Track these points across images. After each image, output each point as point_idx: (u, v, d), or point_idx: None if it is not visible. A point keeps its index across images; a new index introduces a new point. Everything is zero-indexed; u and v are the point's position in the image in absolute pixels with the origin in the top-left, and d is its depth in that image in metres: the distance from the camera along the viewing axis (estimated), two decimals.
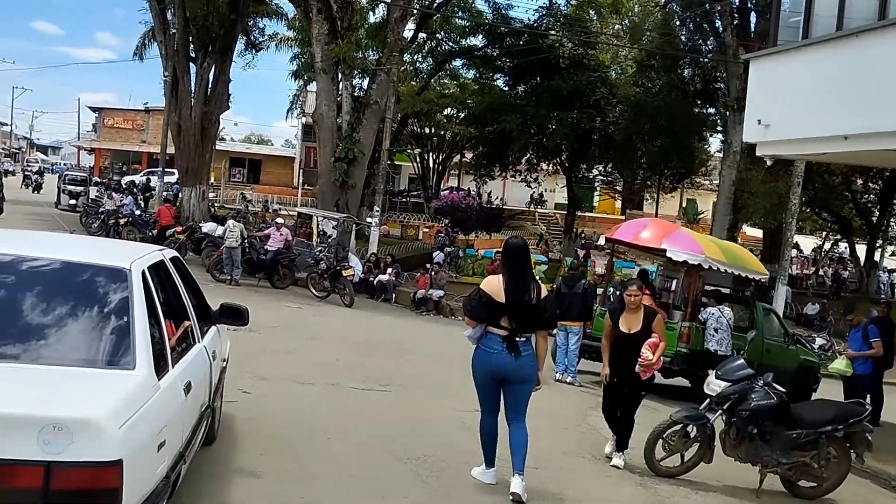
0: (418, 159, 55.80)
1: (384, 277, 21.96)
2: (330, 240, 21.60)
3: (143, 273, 4.43)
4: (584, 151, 36.54)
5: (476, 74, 43.87)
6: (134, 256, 4.57)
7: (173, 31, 30.90)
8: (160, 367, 4.08)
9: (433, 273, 21.40)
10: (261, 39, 39.06)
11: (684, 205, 60.67)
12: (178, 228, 23.03)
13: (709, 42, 39.41)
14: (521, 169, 41.13)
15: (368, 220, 26.57)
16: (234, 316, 5.93)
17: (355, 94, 26.93)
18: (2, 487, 3.13)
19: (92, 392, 3.53)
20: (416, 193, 59.62)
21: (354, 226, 23.53)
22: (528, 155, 37.84)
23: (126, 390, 3.64)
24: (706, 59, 35.30)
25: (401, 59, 23.82)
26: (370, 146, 26.28)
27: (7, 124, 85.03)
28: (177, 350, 4.64)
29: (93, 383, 3.63)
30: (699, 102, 36.74)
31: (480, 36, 41.13)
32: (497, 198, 46.29)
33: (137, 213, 27.40)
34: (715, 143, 39.04)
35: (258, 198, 53.31)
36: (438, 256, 30.81)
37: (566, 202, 66.99)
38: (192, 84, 31.05)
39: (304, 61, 42.76)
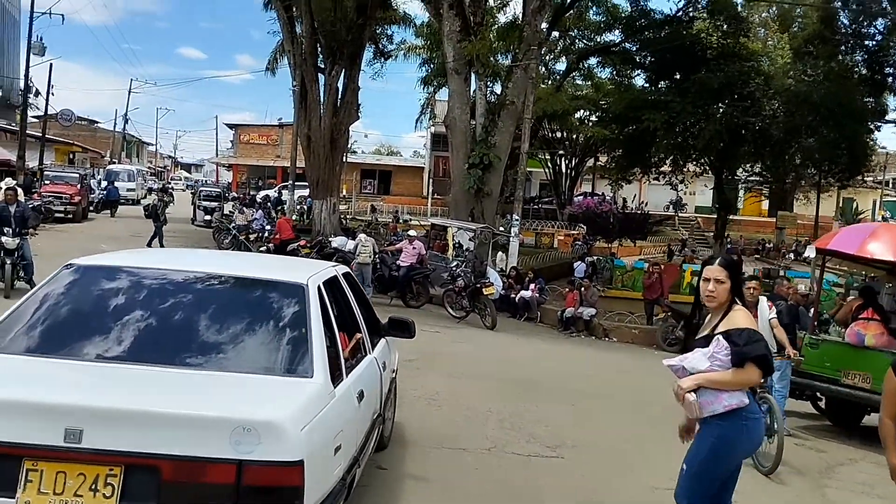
0: (550, 164, 53.40)
1: (527, 294, 19.59)
2: (467, 253, 19.48)
3: (319, 288, 4.62)
4: (736, 149, 33.00)
5: (613, 72, 41.03)
6: (310, 273, 4.80)
7: (301, 39, 29.75)
8: (335, 376, 4.25)
9: (583, 289, 18.86)
10: (389, 48, 37.69)
11: (840, 204, 55.55)
12: (302, 242, 21.53)
13: (875, 23, 35.46)
14: (666, 170, 37.86)
15: (501, 228, 24.36)
16: (402, 329, 6.11)
17: (489, 95, 24.73)
18: (200, 482, 3.32)
19: (276, 398, 3.73)
20: (547, 200, 57.35)
21: (493, 237, 21.29)
22: (674, 155, 34.58)
23: (306, 396, 3.82)
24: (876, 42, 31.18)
25: (539, 53, 21.45)
26: (506, 150, 24.04)
27: (153, 144, 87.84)
28: (350, 360, 4.80)
29: (276, 390, 3.85)
30: (863, 90, 32.53)
31: (617, 31, 38.37)
32: (643, 202, 43.14)
33: (268, 227, 26.22)
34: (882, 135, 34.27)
35: (388, 208, 52.19)
36: (580, 268, 28.23)
37: (708, 205, 62.90)
38: (321, 93, 29.80)
39: (433, 67, 41.18)
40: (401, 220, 44.95)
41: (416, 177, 63.70)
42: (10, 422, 3.32)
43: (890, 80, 35.05)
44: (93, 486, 3.31)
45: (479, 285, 17.02)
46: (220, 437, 3.31)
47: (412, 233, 18.90)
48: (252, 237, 23.35)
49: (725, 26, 33.29)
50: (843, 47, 35.54)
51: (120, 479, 3.31)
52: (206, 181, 66.93)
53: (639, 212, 37.81)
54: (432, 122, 60.91)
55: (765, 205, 62.96)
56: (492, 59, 24.83)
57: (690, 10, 34.93)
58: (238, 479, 3.29)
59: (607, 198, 55.22)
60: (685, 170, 36.63)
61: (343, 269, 5.95)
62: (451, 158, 24.27)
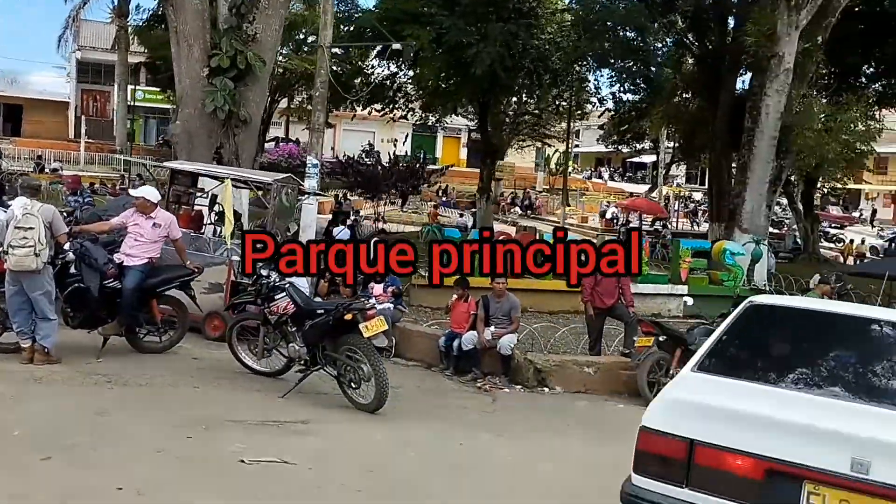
0: None
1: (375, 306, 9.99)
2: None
3: None
4: (511, 79, 25.34)
5: None
6: None
7: None
8: None
9: (496, 288, 9.57)
10: None
11: (549, 154, 51.70)
12: None
13: None
14: (415, 108, 29.30)
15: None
16: None
17: None
18: None
19: None
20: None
21: (297, 197, 11.01)
22: (440, 83, 26.16)
23: None
24: None
25: None
26: (274, 49, 14.03)
27: None
28: None
29: None
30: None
31: None
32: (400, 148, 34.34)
33: None
34: None
35: (24, 153, 37.80)
36: (342, 234, 19.13)
37: (408, 154, 55.81)
38: None
39: None
40: (47, 170, 31.70)
41: (59, 115, 48.46)
42: (795, 443, 3.33)
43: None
44: None
45: (341, 310, 7.17)
46: None
47: (147, 192, 8.23)
48: None
49: None
50: None
51: None
52: None
53: (415, 162, 29.09)
54: (79, 46, 46.44)
55: (463, 153, 57.79)
56: None
57: None
58: None
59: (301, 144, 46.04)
60: (448, 105, 28.37)
61: None
62: (178, 59, 13.37)
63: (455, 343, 9.53)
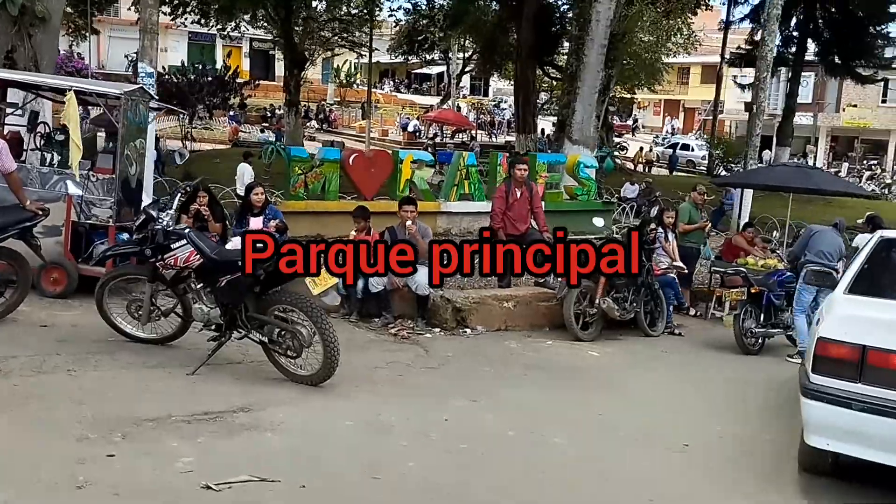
0: None
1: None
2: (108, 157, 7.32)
3: None
4: None
5: None
6: None
7: None
8: None
9: (403, 217, 8.13)
10: None
11: (339, 66, 49.40)
12: None
13: None
14: (210, 12, 25.90)
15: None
16: None
17: None
18: None
19: None
20: None
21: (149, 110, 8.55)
22: None
23: None
24: None
25: None
26: None
27: None
28: None
29: None
30: None
31: None
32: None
33: None
34: None
35: None
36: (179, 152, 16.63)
37: (184, 64, 51.42)
38: None
39: None
40: None
41: None
42: None
43: None
44: None
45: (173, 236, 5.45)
46: None
47: None
48: None
49: None
50: None
51: None
52: None
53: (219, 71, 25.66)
54: None
55: (245, 64, 53.58)
56: None
57: None
58: None
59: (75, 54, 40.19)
60: (247, 9, 25.35)
61: None
62: None
63: (359, 284, 8.11)
